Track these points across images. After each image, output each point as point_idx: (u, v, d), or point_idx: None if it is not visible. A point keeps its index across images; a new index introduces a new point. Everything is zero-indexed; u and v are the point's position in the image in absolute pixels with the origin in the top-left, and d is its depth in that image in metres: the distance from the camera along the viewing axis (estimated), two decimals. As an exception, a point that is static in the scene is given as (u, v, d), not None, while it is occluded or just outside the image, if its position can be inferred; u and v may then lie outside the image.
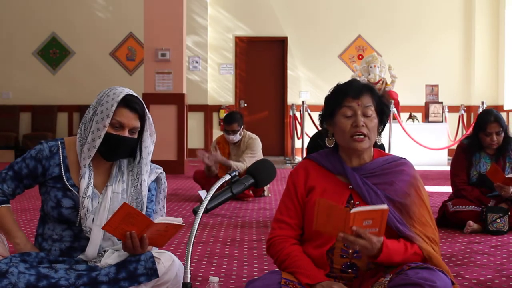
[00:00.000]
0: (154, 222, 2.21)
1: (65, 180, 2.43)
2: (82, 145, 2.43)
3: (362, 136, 2.25)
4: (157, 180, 2.60)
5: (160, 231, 2.23)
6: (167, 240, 2.28)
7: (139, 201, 2.48)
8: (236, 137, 6.47)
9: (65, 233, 2.44)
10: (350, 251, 2.21)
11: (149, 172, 2.54)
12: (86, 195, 2.40)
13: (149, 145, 2.47)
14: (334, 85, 2.41)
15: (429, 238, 2.22)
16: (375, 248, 2.06)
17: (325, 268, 2.21)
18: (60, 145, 2.47)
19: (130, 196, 2.48)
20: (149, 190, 2.54)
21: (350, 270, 2.21)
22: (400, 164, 2.33)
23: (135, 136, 2.44)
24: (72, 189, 2.42)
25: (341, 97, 2.29)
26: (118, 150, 2.42)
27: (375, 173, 2.29)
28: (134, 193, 2.49)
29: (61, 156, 2.46)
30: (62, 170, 2.44)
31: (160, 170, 2.60)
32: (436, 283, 1.99)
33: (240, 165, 6.24)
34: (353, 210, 2.00)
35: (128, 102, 2.40)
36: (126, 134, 2.40)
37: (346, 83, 2.34)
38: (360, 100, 2.27)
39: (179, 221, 2.19)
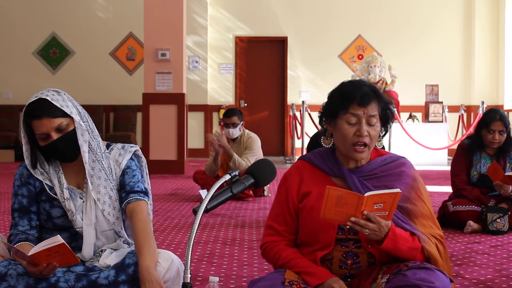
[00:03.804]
0: (33, 252, 2.15)
1: (48, 190, 2.44)
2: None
3: (363, 147, 2.20)
4: (137, 157, 2.59)
5: (51, 254, 2.17)
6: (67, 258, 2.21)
7: (115, 184, 2.47)
8: (236, 131, 6.48)
9: (62, 235, 2.43)
10: (349, 262, 2.18)
11: (123, 154, 2.52)
12: (64, 198, 2.41)
13: (82, 144, 2.40)
14: (335, 85, 2.33)
15: (434, 237, 2.20)
16: (382, 232, 2.06)
17: None
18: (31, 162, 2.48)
19: (111, 181, 2.47)
20: (129, 167, 2.51)
21: (349, 279, 2.19)
22: (399, 165, 2.28)
23: (68, 130, 2.39)
24: (56, 197, 2.43)
25: (347, 101, 2.19)
26: (61, 153, 2.40)
27: (374, 175, 2.25)
28: (114, 178, 2.49)
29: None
30: (43, 182, 2.45)
31: (134, 147, 2.58)
32: (434, 283, 1.97)
33: (241, 162, 6.30)
34: (367, 194, 2.01)
35: (31, 114, 2.39)
36: (55, 137, 2.36)
37: (353, 86, 2.23)
38: (366, 108, 2.18)
39: (56, 241, 2.15)
